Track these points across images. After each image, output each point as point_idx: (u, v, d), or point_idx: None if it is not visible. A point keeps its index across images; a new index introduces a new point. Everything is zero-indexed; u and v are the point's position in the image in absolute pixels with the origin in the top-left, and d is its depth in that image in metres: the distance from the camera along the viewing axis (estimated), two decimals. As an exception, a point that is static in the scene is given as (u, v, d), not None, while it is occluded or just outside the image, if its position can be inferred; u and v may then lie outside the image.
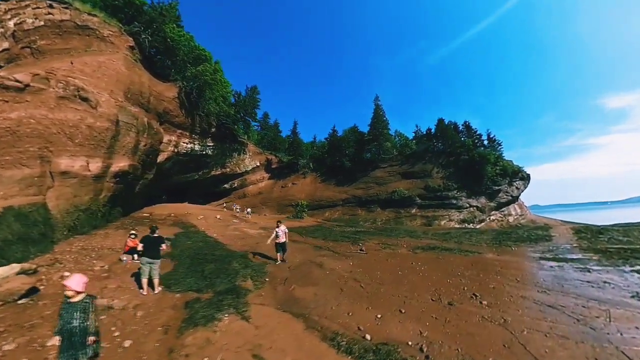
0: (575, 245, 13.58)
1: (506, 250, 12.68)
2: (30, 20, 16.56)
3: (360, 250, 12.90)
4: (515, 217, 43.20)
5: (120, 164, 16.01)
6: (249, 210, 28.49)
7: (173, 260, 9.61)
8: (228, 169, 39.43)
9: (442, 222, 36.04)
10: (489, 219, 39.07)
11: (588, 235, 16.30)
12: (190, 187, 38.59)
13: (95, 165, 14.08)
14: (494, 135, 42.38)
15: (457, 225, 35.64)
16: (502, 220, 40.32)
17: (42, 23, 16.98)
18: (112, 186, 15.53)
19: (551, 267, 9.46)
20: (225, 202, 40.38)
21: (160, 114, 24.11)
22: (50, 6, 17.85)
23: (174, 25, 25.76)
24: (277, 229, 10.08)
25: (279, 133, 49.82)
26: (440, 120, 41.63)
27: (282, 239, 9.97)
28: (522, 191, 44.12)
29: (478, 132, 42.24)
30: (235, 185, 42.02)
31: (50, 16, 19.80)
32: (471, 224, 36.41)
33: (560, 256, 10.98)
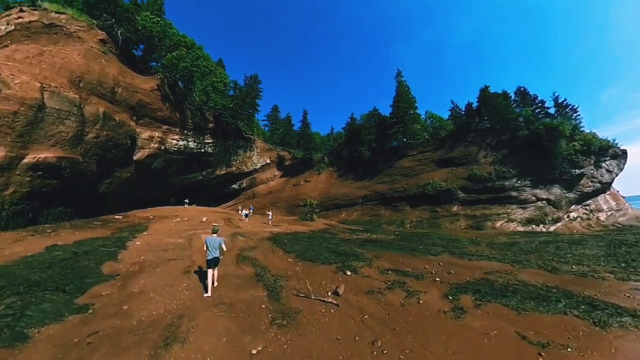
0: None
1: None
2: (3, 27, 16.44)
3: (335, 293, 6.90)
4: (609, 213, 31.15)
5: (42, 154, 13.22)
6: (244, 212, 24.59)
7: None
8: (234, 168, 36.37)
9: (498, 224, 26.65)
10: (568, 217, 28.39)
11: None
12: (200, 190, 36.57)
13: (-9, 157, 11.19)
14: (565, 100, 30.49)
15: (520, 228, 25.92)
16: (588, 219, 29.09)
17: (12, 27, 16.70)
18: (30, 181, 12.76)
19: None
20: (234, 205, 37.42)
21: (133, 106, 21.63)
22: (21, 10, 17.78)
23: (148, 13, 23.25)
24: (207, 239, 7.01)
25: (291, 127, 45.48)
26: (484, 90, 31.94)
27: (214, 253, 6.87)
28: (617, 175, 31.78)
29: (539, 99, 31.19)
30: (244, 185, 38.80)
31: (20, 19, 19.53)
32: (541, 225, 26.39)
33: None
